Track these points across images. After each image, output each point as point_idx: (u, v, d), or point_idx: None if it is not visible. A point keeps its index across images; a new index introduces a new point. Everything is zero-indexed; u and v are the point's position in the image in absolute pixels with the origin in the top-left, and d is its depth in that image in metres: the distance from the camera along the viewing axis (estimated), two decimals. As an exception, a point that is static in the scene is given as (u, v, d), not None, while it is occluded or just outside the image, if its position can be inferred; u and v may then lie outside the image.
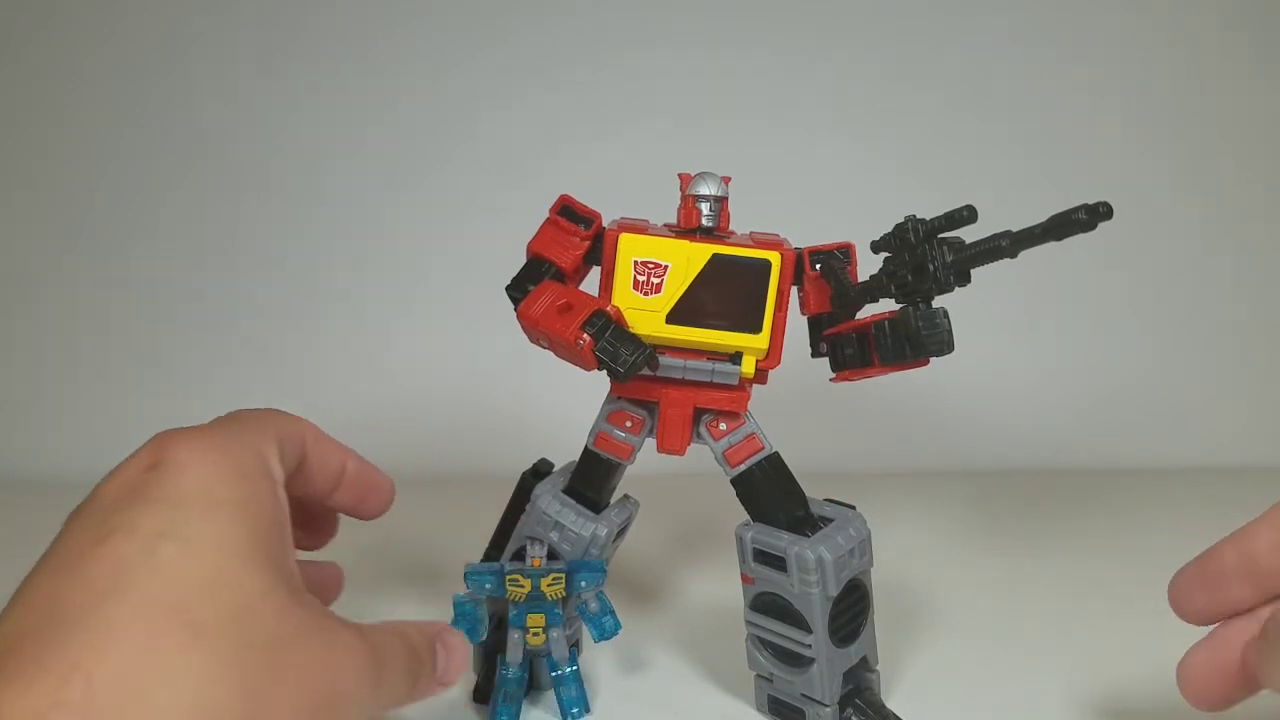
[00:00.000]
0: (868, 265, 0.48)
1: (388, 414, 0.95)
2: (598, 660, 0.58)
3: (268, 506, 0.31)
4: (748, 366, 0.49)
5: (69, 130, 0.92)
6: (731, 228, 0.49)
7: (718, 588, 0.66)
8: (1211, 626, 0.36)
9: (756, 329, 0.48)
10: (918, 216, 0.44)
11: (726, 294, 0.48)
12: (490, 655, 0.53)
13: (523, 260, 0.50)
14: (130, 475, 0.30)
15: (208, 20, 0.90)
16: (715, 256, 0.47)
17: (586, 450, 0.52)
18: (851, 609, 0.50)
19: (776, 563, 0.48)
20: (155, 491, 0.29)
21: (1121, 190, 0.42)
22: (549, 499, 0.51)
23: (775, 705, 0.52)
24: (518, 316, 0.48)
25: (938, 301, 0.44)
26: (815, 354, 0.51)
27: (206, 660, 0.26)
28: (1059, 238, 0.38)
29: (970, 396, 0.96)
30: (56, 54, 0.90)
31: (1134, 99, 0.98)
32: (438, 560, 0.70)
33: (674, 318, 0.48)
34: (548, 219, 0.50)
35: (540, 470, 0.56)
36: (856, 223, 0.51)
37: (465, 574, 0.50)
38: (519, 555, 0.51)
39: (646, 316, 0.48)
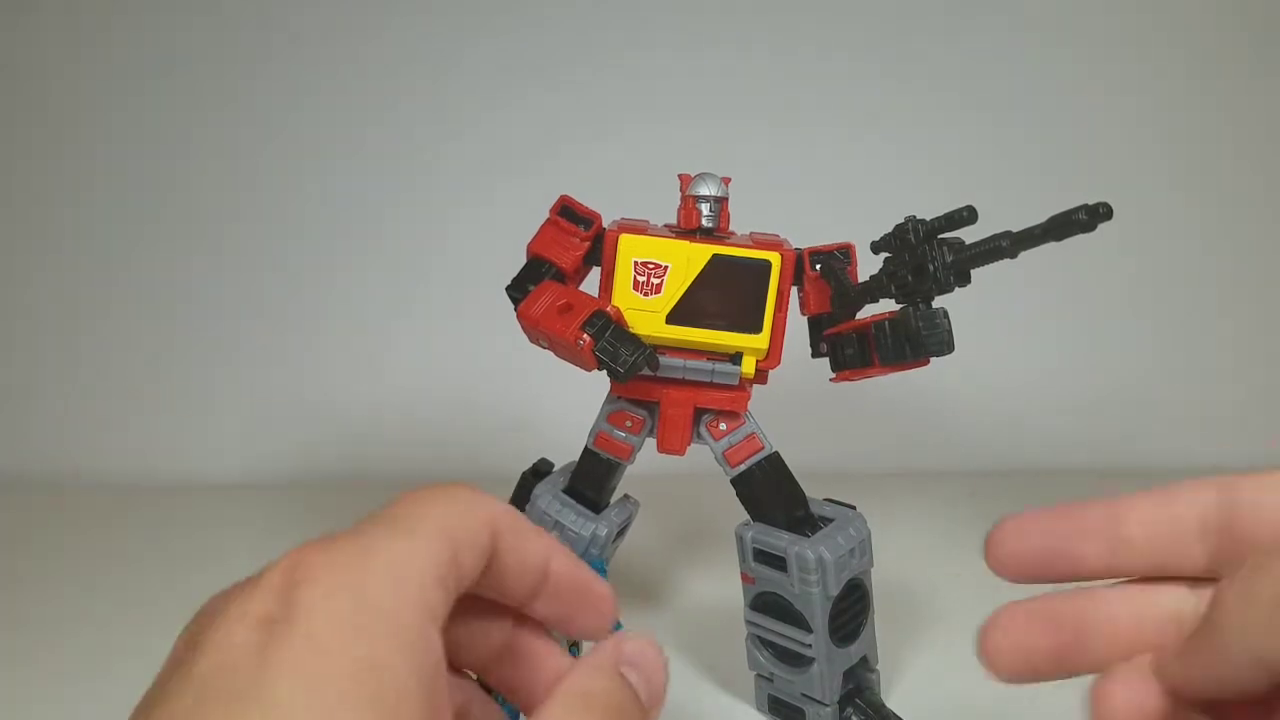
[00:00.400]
0: (868, 265, 0.48)
1: (388, 414, 0.95)
2: (598, 660, 0.58)
3: (402, 672, 0.22)
4: (748, 366, 0.49)
5: (69, 130, 0.92)
6: (731, 228, 0.49)
7: (718, 588, 0.66)
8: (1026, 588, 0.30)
9: (756, 329, 0.48)
10: (918, 217, 0.44)
11: (726, 294, 0.48)
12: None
13: (523, 260, 0.50)
14: (239, 635, 0.22)
15: (207, 19, 0.90)
16: (715, 257, 0.47)
17: (586, 450, 0.52)
18: (851, 609, 0.50)
19: (777, 562, 0.48)
20: (259, 676, 0.21)
21: (1121, 190, 0.42)
22: (549, 499, 0.51)
23: (775, 705, 0.52)
24: (518, 317, 0.48)
25: (938, 302, 0.44)
26: (815, 354, 0.51)
27: None
28: (1059, 238, 0.38)
29: (970, 396, 0.96)
30: (58, 54, 0.90)
31: (1134, 99, 0.98)
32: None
33: (674, 318, 0.48)
34: (548, 220, 0.50)
35: (540, 470, 0.56)
36: (856, 223, 0.51)
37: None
38: (519, 555, 0.51)
39: (646, 317, 0.48)
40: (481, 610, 0.29)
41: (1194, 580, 0.27)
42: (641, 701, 0.28)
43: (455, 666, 0.29)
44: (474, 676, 0.31)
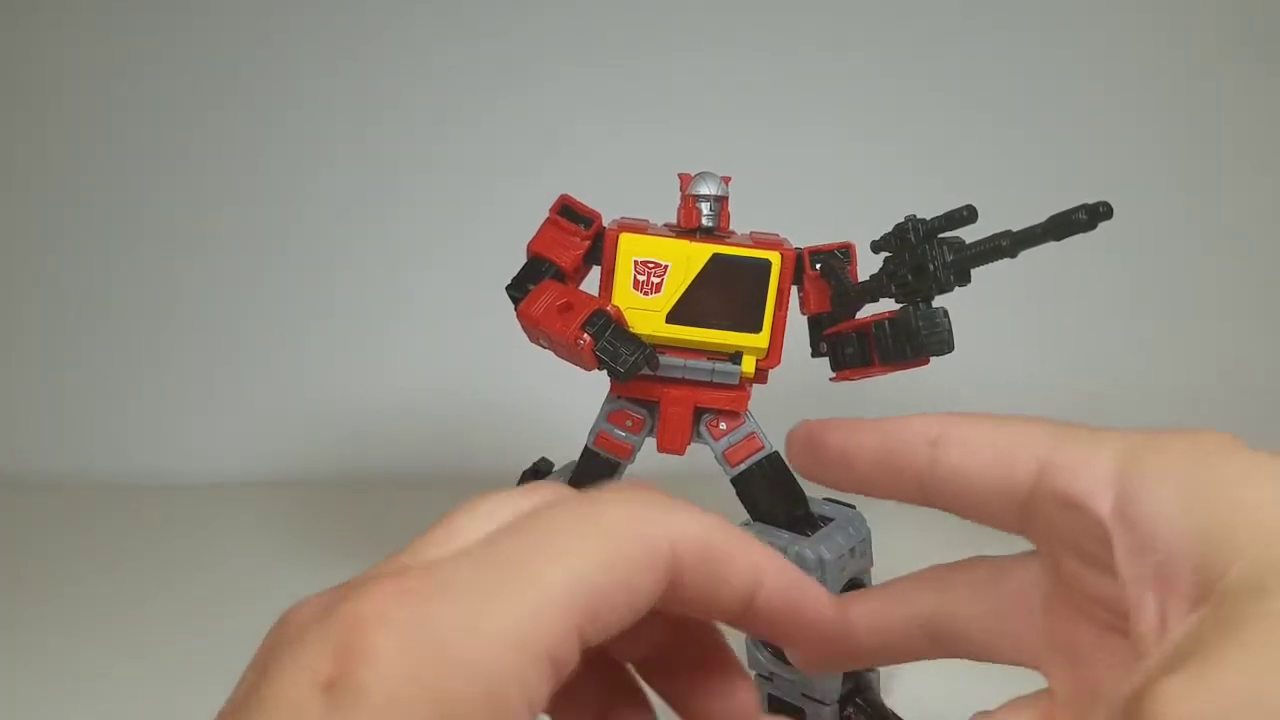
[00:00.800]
0: (868, 265, 0.48)
1: (388, 413, 0.94)
2: (598, 660, 0.57)
3: None
4: (748, 366, 0.49)
5: (70, 130, 0.92)
6: (731, 227, 0.49)
7: (718, 587, 0.66)
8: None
9: (756, 329, 0.48)
10: (917, 216, 0.44)
11: (726, 294, 0.48)
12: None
13: (523, 260, 0.50)
14: (296, 695, 0.18)
15: (207, 18, 0.90)
16: (715, 256, 0.47)
17: (587, 449, 0.52)
18: (851, 609, 0.50)
19: (776, 562, 0.48)
20: None
21: (1121, 190, 0.42)
22: (549, 498, 0.51)
23: (775, 705, 0.52)
24: (518, 316, 0.48)
25: (938, 301, 0.44)
26: (815, 354, 0.51)
27: None
28: (1059, 238, 0.38)
29: (970, 396, 0.96)
30: (59, 54, 0.90)
31: (1134, 99, 0.98)
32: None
33: (674, 317, 0.48)
34: (548, 219, 0.50)
35: (540, 470, 0.56)
36: (856, 223, 0.51)
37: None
38: (519, 555, 0.51)
39: (646, 316, 0.48)
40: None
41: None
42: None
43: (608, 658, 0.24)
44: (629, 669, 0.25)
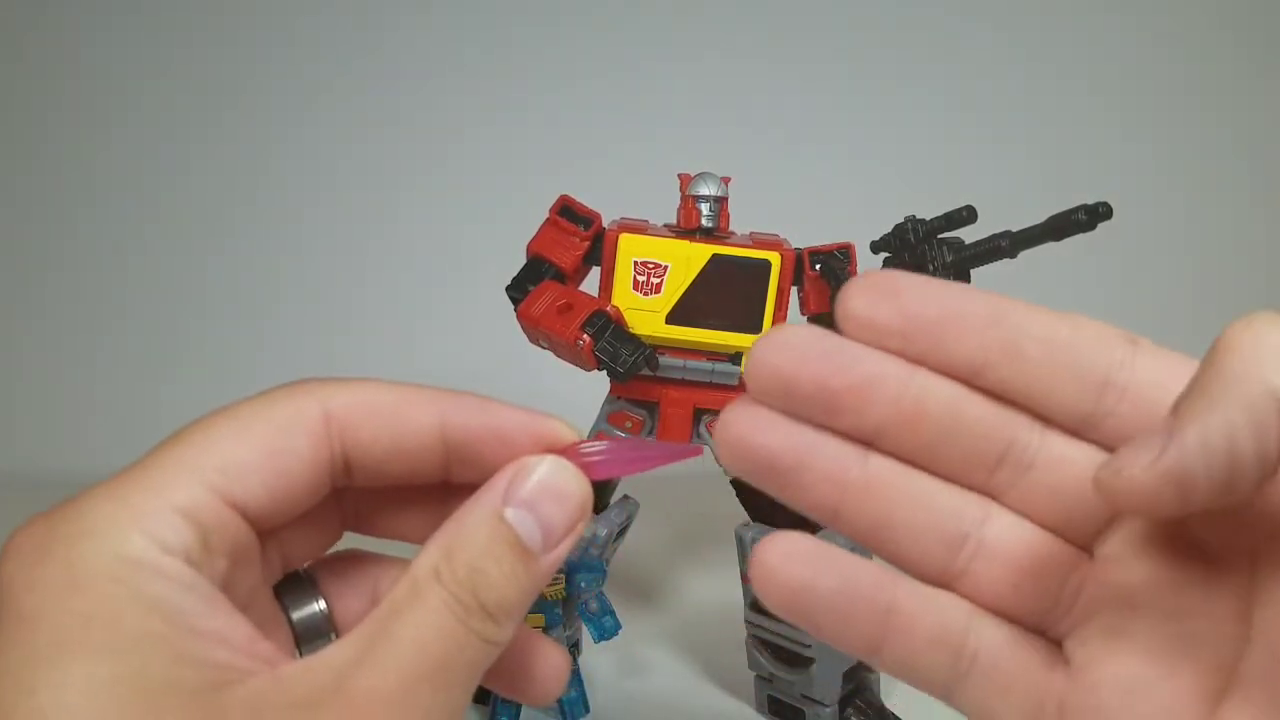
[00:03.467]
0: (868, 265, 0.48)
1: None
2: (598, 661, 0.58)
3: (131, 617, 0.18)
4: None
5: (73, 133, 0.92)
6: (731, 228, 0.49)
7: (718, 588, 0.66)
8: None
9: (756, 329, 0.48)
10: (917, 217, 0.44)
11: (726, 294, 0.48)
12: (490, 655, 0.53)
13: (523, 260, 0.50)
14: None
15: (215, 18, 0.90)
16: (715, 257, 0.47)
17: (586, 450, 0.52)
18: (851, 609, 0.49)
19: (776, 563, 0.48)
20: None
21: (1121, 191, 0.42)
22: (549, 499, 0.51)
23: (775, 705, 0.52)
24: (518, 317, 0.48)
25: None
26: (815, 354, 0.51)
27: None
28: (1058, 238, 0.38)
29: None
30: (60, 54, 0.90)
31: (1134, 100, 0.98)
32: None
33: (674, 318, 0.48)
34: (548, 219, 0.50)
35: (540, 470, 0.56)
36: (856, 223, 0.51)
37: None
38: (519, 555, 0.51)
39: (646, 317, 0.48)
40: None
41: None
42: (531, 549, 0.21)
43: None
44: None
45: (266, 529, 0.21)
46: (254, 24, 0.91)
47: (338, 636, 0.22)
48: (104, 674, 0.18)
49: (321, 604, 0.23)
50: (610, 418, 0.51)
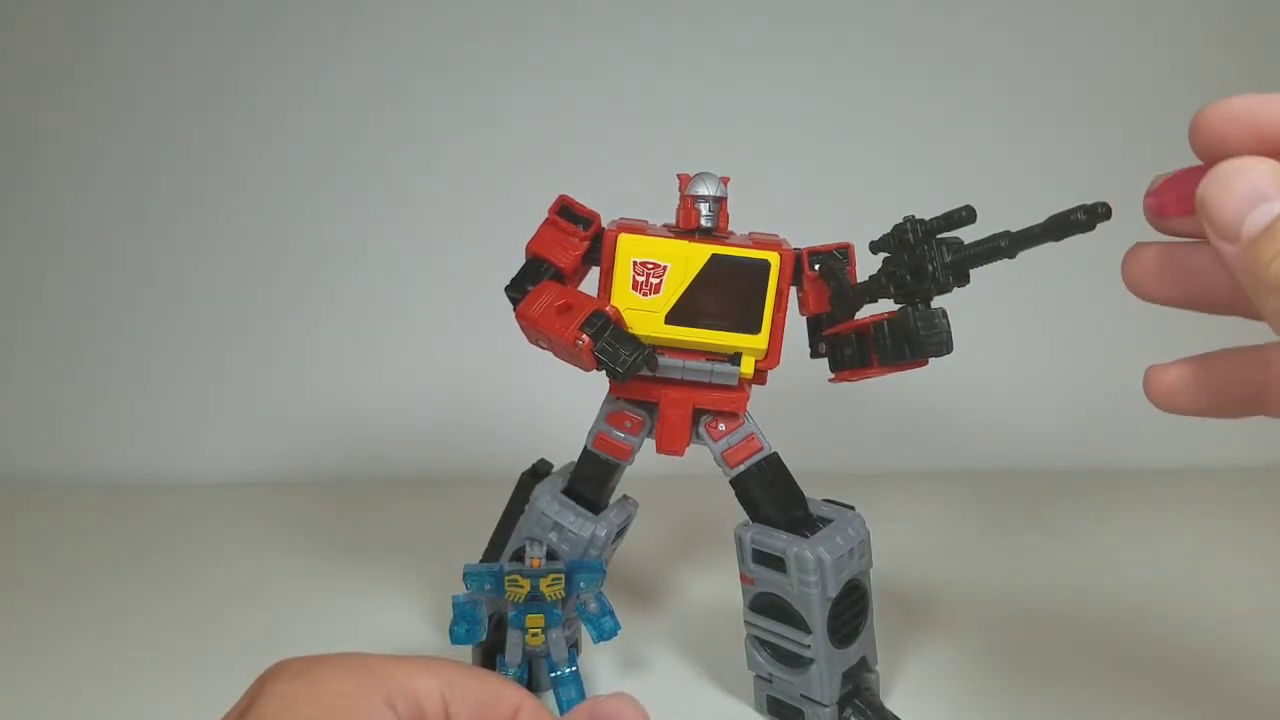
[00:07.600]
0: (867, 265, 0.48)
1: (387, 414, 0.95)
2: (597, 661, 0.58)
3: None
4: (747, 367, 0.49)
5: (68, 130, 0.92)
6: (731, 228, 0.49)
7: (717, 588, 0.66)
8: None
9: (755, 329, 0.48)
10: (916, 217, 0.44)
11: (725, 294, 0.48)
12: (489, 656, 0.54)
13: (522, 261, 0.50)
14: None
15: (207, 17, 0.90)
16: (714, 257, 0.47)
17: (586, 451, 0.52)
18: (851, 609, 0.50)
19: (775, 563, 0.48)
20: None
21: (1121, 191, 0.42)
22: (548, 500, 0.51)
23: (774, 706, 0.52)
24: (517, 317, 0.48)
25: (936, 302, 0.44)
26: (814, 354, 0.51)
27: None
28: (1058, 238, 0.38)
29: (970, 396, 0.96)
30: (59, 54, 0.90)
31: (1133, 99, 0.97)
32: (437, 561, 0.70)
33: (673, 318, 0.48)
34: (547, 219, 0.50)
35: (540, 470, 0.56)
36: (856, 223, 0.51)
37: (464, 574, 0.50)
38: (518, 556, 0.51)
39: (645, 317, 0.48)
40: None
41: None
42: None
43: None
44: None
45: None
46: (253, 24, 0.91)
47: None
48: None
49: None
50: (609, 418, 0.51)
